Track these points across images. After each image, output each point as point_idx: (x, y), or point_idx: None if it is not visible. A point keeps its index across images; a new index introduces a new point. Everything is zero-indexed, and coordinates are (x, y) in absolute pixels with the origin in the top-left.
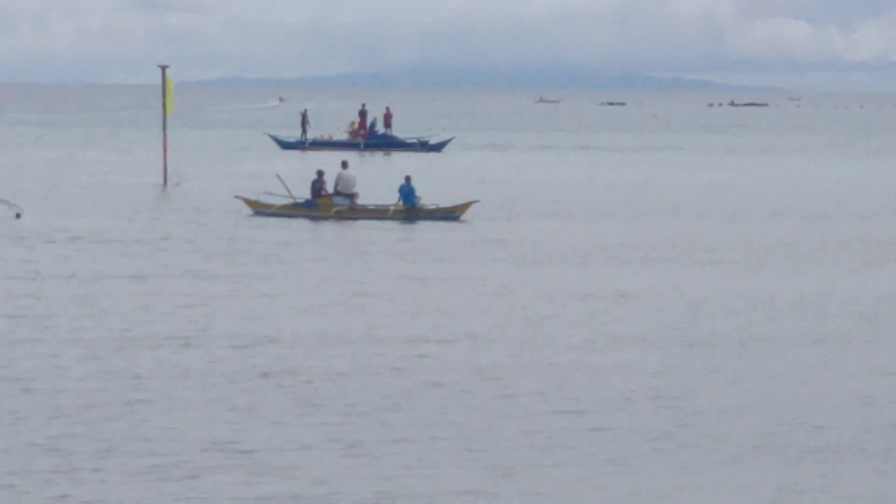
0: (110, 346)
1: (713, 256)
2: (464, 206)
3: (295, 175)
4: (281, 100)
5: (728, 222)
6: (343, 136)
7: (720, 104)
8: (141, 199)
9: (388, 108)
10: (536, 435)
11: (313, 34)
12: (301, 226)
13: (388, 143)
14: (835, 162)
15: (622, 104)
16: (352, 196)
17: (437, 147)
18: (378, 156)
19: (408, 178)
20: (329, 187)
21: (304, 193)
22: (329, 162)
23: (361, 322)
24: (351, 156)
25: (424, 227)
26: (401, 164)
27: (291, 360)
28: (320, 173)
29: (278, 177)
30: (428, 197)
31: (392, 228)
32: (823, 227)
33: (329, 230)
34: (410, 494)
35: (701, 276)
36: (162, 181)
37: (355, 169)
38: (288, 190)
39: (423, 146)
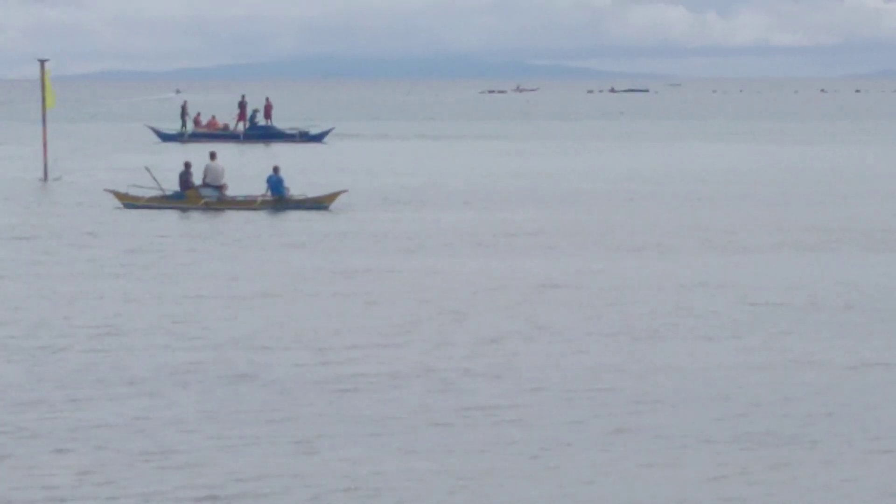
0: None
1: (600, 241)
2: (332, 196)
3: (175, 167)
4: (178, 91)
5: (592, 207)
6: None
7: (600, 91)
8: (20, 194)
9: (268, 99)
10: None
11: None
12: (169, 217)
13: (268, 135)
14: (711, 147)
15: (502, 92)
16: (220, 187)
17: (318, 137)
18: (258, 147)
19: (276, 169)
20: (197, 179)
21: (175, 185)
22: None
23: (210, 314)
24: (230, 147)
25: (292, 217)
26: (280, 155)
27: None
28: (188, 165)
29: (147, 169)
30: (305, 187)
31: (260, 219)
32: (720, 211)
33: (196, 221)
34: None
35: (588, 263)
36: (42, 175)
37: (234, 160)
38: (157, 182)
39: (304, 137)
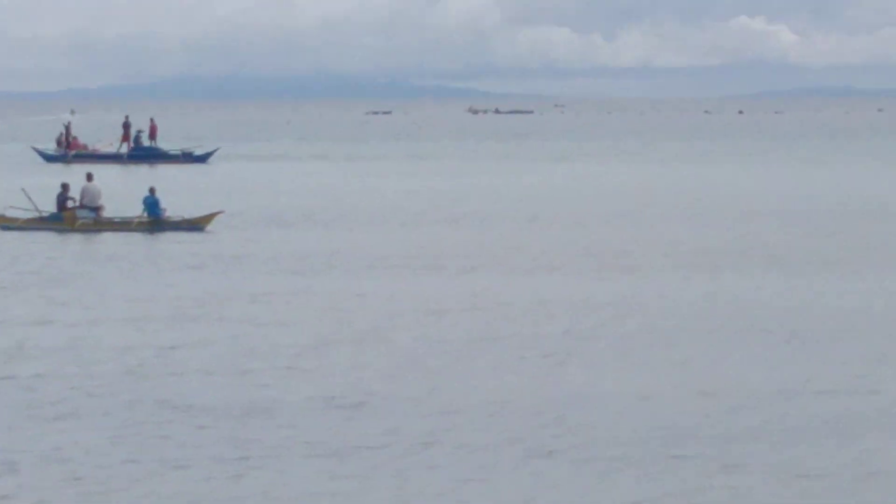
0: None
1: (497, 262)
2: (208, 217)
3: (53, 188)
4: (73, 112)
5: (482, 228)
6: (108, 148)
7: (485, 112)
8: None
9: (152, 120)
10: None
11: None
12: (46, 239)
13: (152, 155)
14: (598, 167)
15: (388, 113)
16: (97, 209)
17: (202, 158)
18: (143, 168)
19: (152, 190)
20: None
21: (53, 207)
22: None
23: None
24: (115, 168)
25: (167, 239)
26: (165, 176)
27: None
28: (65, 186)
29: (23, 190)
30: (188, 208)
31: (135, 241)
32: (615, 231)
33: (74, 243)
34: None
35: (486, 284)
36: None
37: (118, 181)
38: (33, 203)
39: (188, 157)
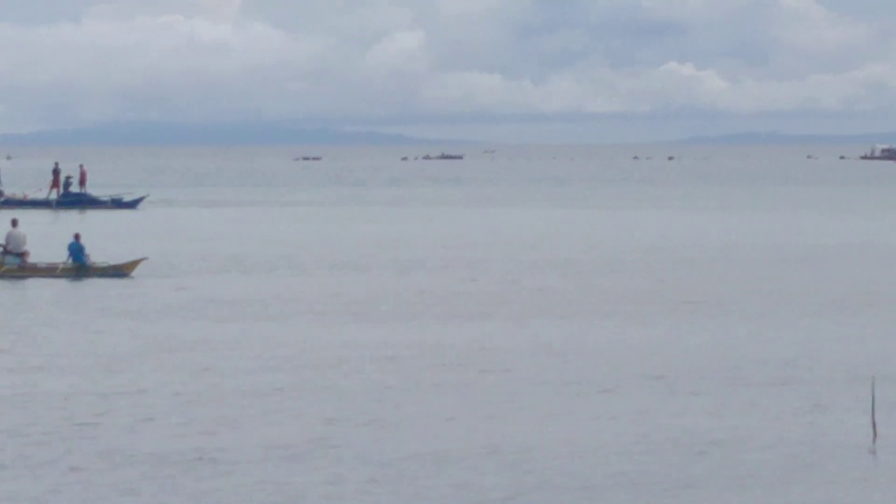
0: None
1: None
2: (133, 264)
3: None
4: (8, 158)
5: (420, 274)
6: (37, 194)
7: (415, 158)
8: None
9: (82, 166)
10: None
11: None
12: None
13: (82, 201)
14: (531, 213)
15: (318, 159)
16: (22, 254)
17: (131, 204)
18: (72, 214)
19: (77, 236)
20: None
21: None
22: (22, 220)
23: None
24: (44, 214)
25: (92, 285)
26: (94, 222)
27: None
28: None
29: None
30: (113, 254)
31: (60, 287)
32: (551, 277)
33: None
34: None
35: (430, 331)
36: None
37: (47, 228)
38: None
39: (117, 204)
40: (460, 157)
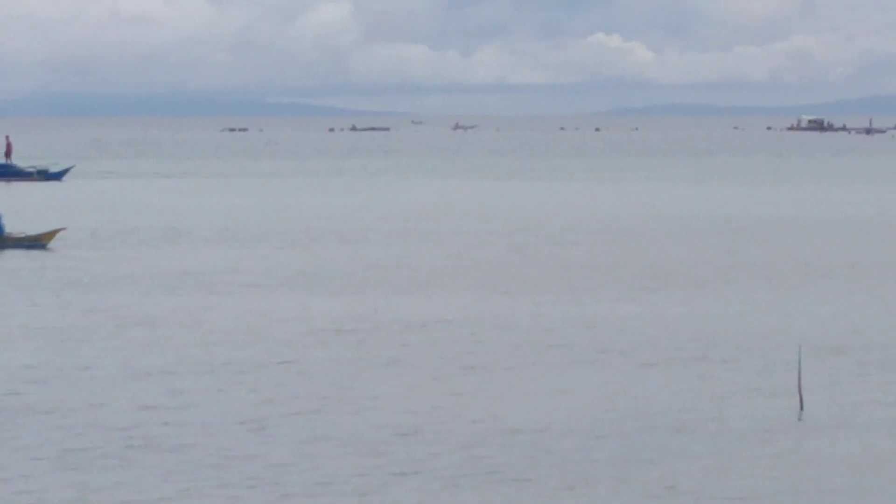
0: None
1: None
2: (50, 234)
3: None
4: None
5: (354, 246)
6: None
7: (341, 129)
8: None
9: (7, 138)
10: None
11: None
12: None
13: (7, 173)
14: (457, 184)
15: (244, 130)
16: None
17: (57, 175)
18: None
19: None
20: None
21: None
22: None
23: None
24: None
25: (9, 256)
26: (19, 194)
27: None
28: None
29: None
30: (37, 225)
31: None
32: (486, 249)
33: None
34: None
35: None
36: None
37: None
38: None
39: (43, 175)
40: (387, 129)
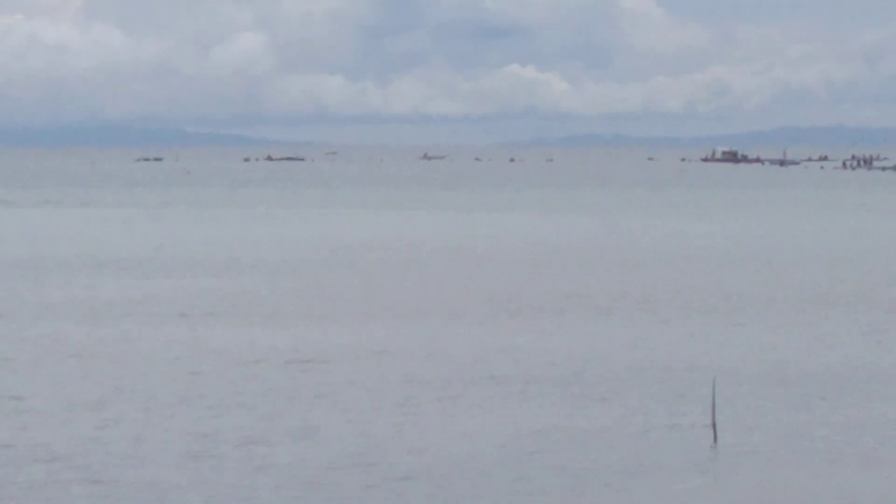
0: None
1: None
2: None
3: None
4: None
5: (270, 275)
6: None
7: (257, 159)
8: None
9: None
10: None
11: None
12: None
13: None
14: (369, 215)
15: (159, 160)
16: None
17: None
18: None
19: None
20: None
21: None
22: None
23: None
24: None
25: None
26: None
27: None
28: None
29: None
30: None
31: None
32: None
33: None
34: None
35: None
36: None
37: None
38: None
39: None
40: (302, 159)
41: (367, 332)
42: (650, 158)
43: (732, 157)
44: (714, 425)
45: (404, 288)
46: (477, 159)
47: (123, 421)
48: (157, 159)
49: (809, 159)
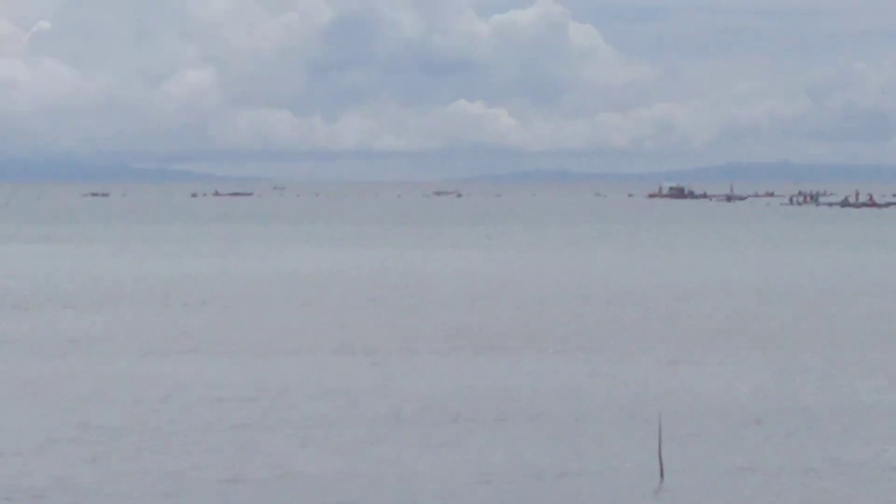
0: None
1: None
2: None
3: None
4: None
5: (218, 311)
6: None
7: (204, 194)
8: None
9: None
10: None
11: None
12: None
13: None
14: (318, 251)
15: (106, 195)
16: None
17: None
18: None
19: None
20: None
21: None
22: None
23: None
24: None
25: None
26: None
27: None
28: None
29: None
30: None
31: None
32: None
33: None
34: None
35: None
36: None
37: None
38: None
39: None
40: (250, 194)
41: (328, 369)
42: (597, 194)
43: (679, 193)
44: (661, 462)
45: (362, 324)
46: (424, 195)
47: (90, 459)
48: (104, 194)
49: (756, 195)
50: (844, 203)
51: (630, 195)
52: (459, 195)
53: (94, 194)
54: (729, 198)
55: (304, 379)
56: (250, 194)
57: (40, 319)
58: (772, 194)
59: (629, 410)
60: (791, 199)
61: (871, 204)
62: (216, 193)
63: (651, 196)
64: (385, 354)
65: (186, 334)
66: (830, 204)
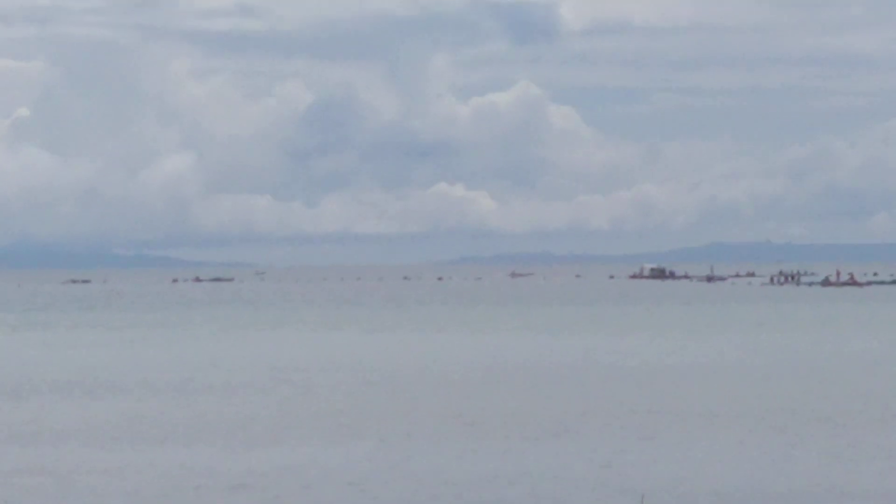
0: None
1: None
2: None
3: None
4: None
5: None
6: None
7: (185, 280)
8: None
9: None
10: None
11: None
12: None
13: None
14: (300, 335)
15: (87, 282)
16: None
17: None
18: None
19: None
20: None
21: None
22: None
23: None
24: None
25: None
26: None
27: None
28: None
29: None
30: None
31: None
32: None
33: None
34: None
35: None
36: None
37: None
38: None
39: None
40: (231, 279)
41: (321, 455)
42: (578, 276)
43: (660, 274)
44: None
45: (351, 409)
46: (405, 278)
47: None
48: (84, 281)
49: (737, 275)
50: (826, 282)
51: (611, 276)
52: (440, 278)
53: (75, 281)
54: (709, 278)
55: (297, 465)
56: (232, 279)
57: (28, 407)
58: (753, 274)
59: (612, 492)
60: (772, 279)
61: (853, 283)
62: (197, 279)
63: (632, 277)
64: (377, 438)
65: (179, 423)
66: (812, 283)
